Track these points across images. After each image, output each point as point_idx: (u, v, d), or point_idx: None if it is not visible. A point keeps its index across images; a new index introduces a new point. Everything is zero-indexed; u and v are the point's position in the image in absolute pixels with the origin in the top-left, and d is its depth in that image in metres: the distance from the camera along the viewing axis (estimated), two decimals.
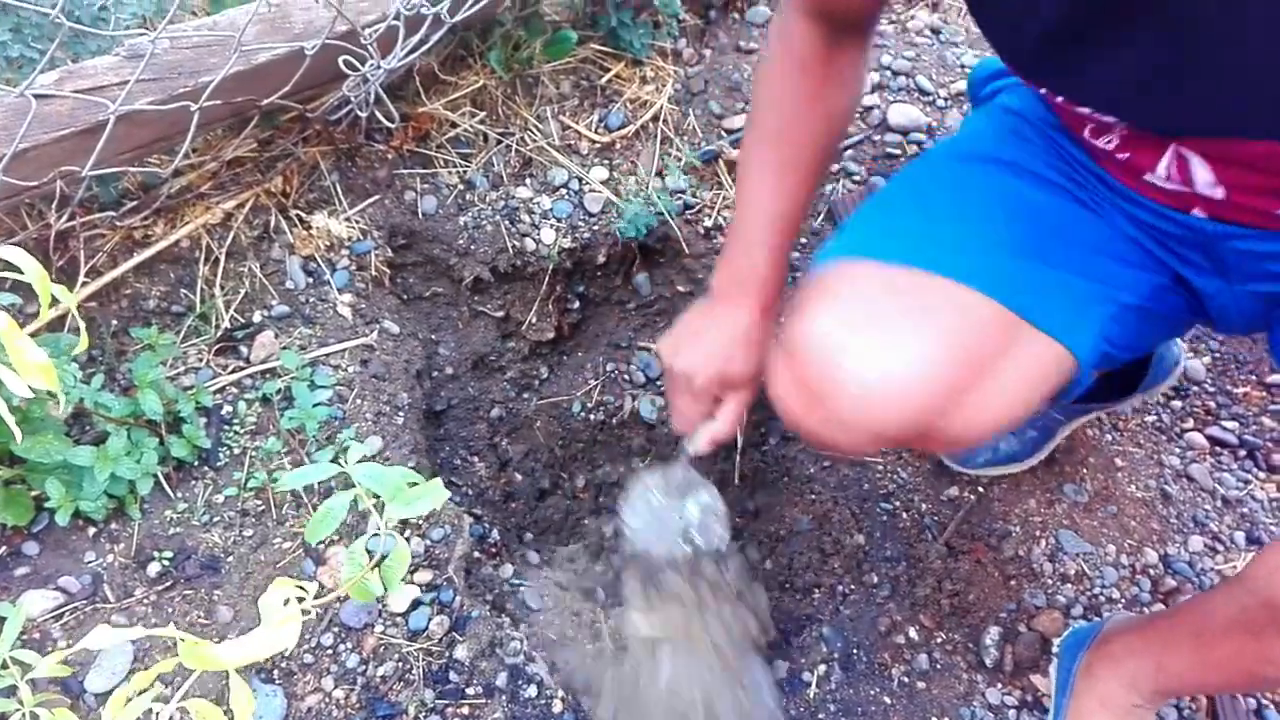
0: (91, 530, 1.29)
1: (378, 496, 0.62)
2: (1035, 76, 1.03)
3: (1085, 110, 1.01)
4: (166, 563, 1.27)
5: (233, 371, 1.44)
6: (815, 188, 1.24)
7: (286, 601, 0.50)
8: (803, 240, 1.72)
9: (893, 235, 1.05)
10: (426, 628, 1.27)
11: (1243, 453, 1.56)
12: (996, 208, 1.08)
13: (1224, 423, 1.58)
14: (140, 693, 0.49)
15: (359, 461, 0.63)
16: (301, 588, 0.52)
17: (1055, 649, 1.36)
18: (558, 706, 1.25)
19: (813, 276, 1.06)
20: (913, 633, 1.38)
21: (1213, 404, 1.61)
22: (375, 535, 0.62)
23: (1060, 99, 1.03)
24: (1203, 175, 0.98)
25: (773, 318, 1.22)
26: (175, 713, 0.51)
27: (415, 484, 0.63)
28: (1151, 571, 1.44)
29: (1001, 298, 0.99)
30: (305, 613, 0.50)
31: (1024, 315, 1.00)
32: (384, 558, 0.61)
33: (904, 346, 0.95)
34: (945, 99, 1.89)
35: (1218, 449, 1.57)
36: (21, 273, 0.75)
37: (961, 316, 0.98)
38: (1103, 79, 0.98)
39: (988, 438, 1.05)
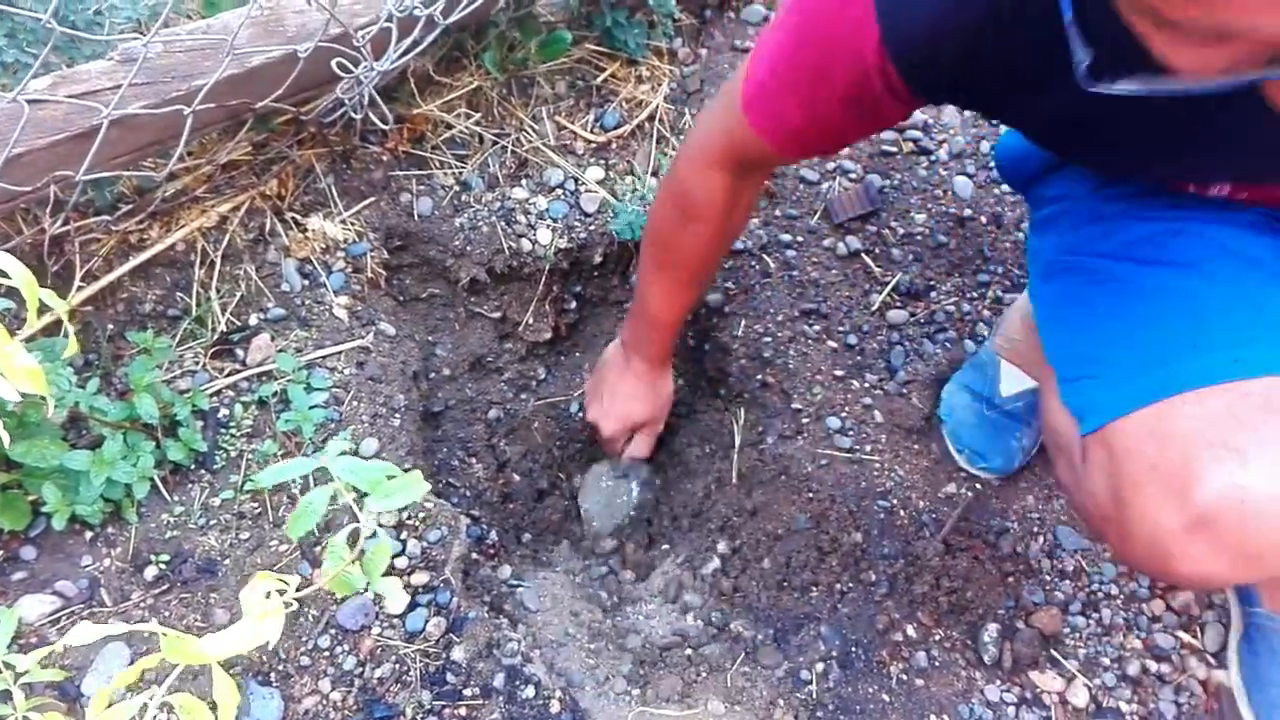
0: (88, 534, 1.29)
1: (359, 491, 0.62)
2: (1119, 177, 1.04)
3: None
4: (163, 566, 1.27)
5: (229, 375, 1.44)
6: (702, 293, 1.64)
7: (269, 595, 0.50)
8: (799, 239, 1.72)
9: (1186, 351, 0.98)
10: (424, 629, 1.27)
11: None
12: (1245, 279, 1.03)
13: None
14: (128, 689, 0.49)
15: (339, 456, 0.64)
16: (283, 581, 0.52)
17: None
18: (555, 707, 1.24)
19: (1125, 429, 0.98)
20: (911, 630, 1.38)
21: None
22: (357, 528, 0.62)
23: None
24: None
25: (665, 370, 1.62)
26: (161, 709, 0.51)
27: (394, 477, 0.63)
28: None
29: None
30: (288, 605, 0.50)
31: None
32: (362, 552, 0.61)
33: None
34: None
35: None
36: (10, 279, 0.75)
37: None
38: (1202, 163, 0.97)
39: None
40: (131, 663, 1.19)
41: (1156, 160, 1.00)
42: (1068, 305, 1.15)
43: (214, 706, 0.49)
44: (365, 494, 0.64)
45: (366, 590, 1.26)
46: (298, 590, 0.60)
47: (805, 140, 1.08)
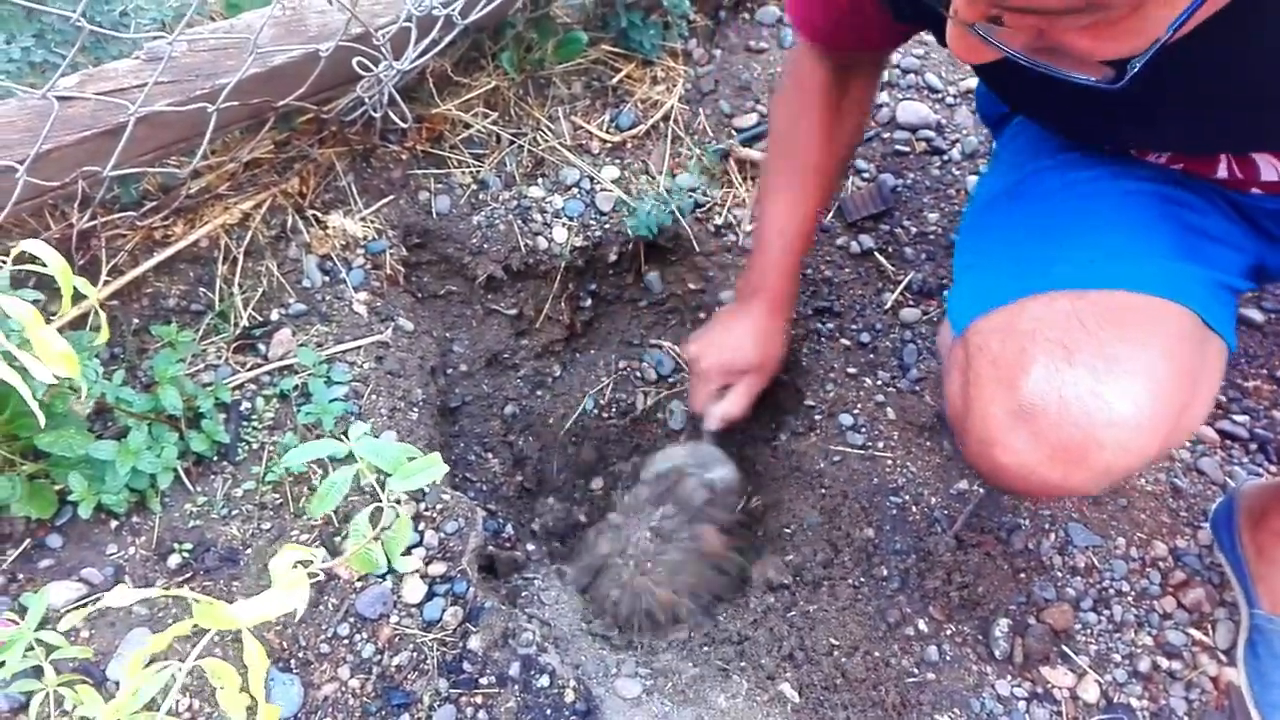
0: (113, 523, 1.32)
1: (381, 472, 0.64)
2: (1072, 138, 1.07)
3: None
4: (186, 555, 1.30)
5: (251, 368, 1.47)
6: (825, 203, 1.43)
7: (295, 566, 0.52)
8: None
9: (1052, 261, 1.02)
10: (441, 618, 1.29)
11: (1254, 446, 1.56)
12: (1135, 213, 1.06)
13: (1235, 416, 1.58)
14: (156, 657, 0.51)
15: (360, 438, 0.66)
16: (310, 553, 0.54)
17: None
18: (570, 696, 1.26)
19: (981, 327, 1.02)
20: (922, 625, 1.39)
21: (1224, 398, 1.61)
22: (378, 506, 0.64)
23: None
24: (1268, 171, 0.99)
25: (783, 314, 1.45)
26: (191, 675, 0.53)
27: (415, 458, 0.65)
28: (1161, 564, 1.44)
29: (1188, 303, 0.98)
30: (313, 576, 0.52)
31: (1205, 318, 0.99)
32: (384, 529, 0.63)
33: (1145, 376, 0.92)
34: (955, 96, 1.90)
35: (1229, 443, 1.57)
36: (45, 266, 0.78)
37: (1172, 331, 0.96)
38: (1138, 136, 1.00)
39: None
40: None
41: (1067, 116, 1.06)
42: (971, 221, 1.23)
43: (244, 672, 0.51)
44: (387, 475, 0.66)
45: (385, 580, 1.29)
46: (320, 571, 0.62)
47: (831, 37, 1.19)
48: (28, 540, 1.28)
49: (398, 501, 1.31)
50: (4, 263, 0.75)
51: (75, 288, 0.79)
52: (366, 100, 1.48)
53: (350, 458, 0.68)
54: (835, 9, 1.13)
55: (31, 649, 0.78)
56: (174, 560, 1.29)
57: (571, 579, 1.48)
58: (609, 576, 1.46)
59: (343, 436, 0.67)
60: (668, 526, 1.46)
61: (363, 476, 0.66)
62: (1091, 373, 0.92)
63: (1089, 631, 1.39)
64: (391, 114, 1.53)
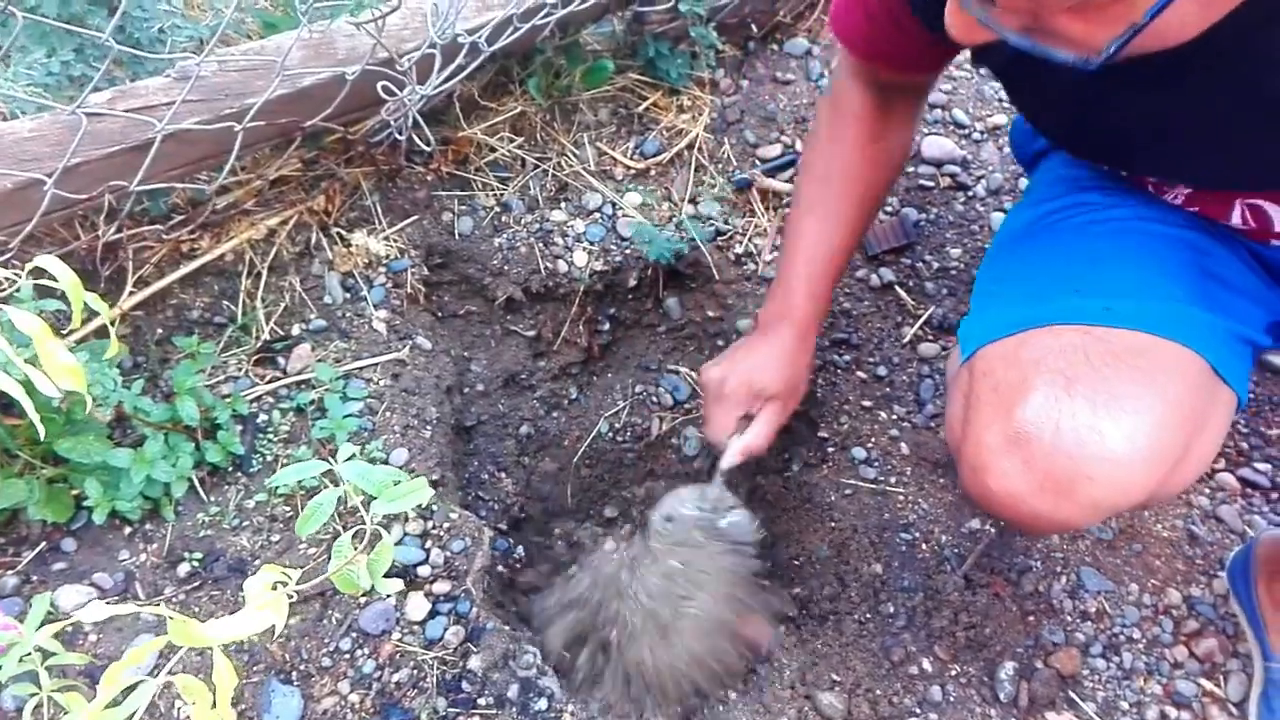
0: (127, 529, 1.34)
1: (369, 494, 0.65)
2: (1085, 156, 1.07)
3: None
4: (196, 563, 1.32)
5: (269, 381, 1.49)
6: (861, 233, 1.33)
7: (274, 587, 0.53)
8: None
9: (1065, 295, 1.03)
10: (442, 637, 1.29)
11: (1275, 495, 1.53)
12: (1155, 254, 1.06)
13: (1256, 464, 1.56)
14: (137, 669, 0.52)
15: (346, 460, 0.67)
16: (285, 573, 0.55)
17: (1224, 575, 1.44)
18: (567, 719, 1.26)
19: (987, 353, 1.03)
20: (926, 664, 1.38)
21: (1245, 445, 1.58)
22: (363, 529, 0.65)
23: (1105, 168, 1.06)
24: None
25: (808, 342, 1.32)
26: (163, 689, 0.54)
27: (400, 482, 0.66)
28: (1174, 612, 1.42)
29: (1200, 350, 0.98)
30: (291, 597, 0.53)
31: (1216, 367, 0.99)
32: (370, 547, 0.64)
33: (1144, 416, 0.92)
34: (981, 132, 1.89)
35: (1249, 491, 1.54)
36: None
37: (1178, 375, 0.96)
38: (1150, 159, 1.00)
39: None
40: (160, 655, 1.24)
41: (1082, 132, 1.05)
42: (993, 253, 1.22)
43: (214, 689, 0.52)
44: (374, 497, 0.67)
45: (389, 596, 1.30)
46: (309, 587, 0.63)
47: (872, 48, 1.18)
48: (43, 543, 1.31)
49: (385, 523, 1.32)
50: (19, 277, 0.77)
51: (86, 303, 0.81)
52: (392, 123, 1.51)
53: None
54: (876, 20, 1.13)
55: (28, 654, 0.80)
56: (184, 569, 1.31)
57: (545, 636, 1.37)
58: (594, 639, 1.35)
59: (330, 458, 0.68)
60: (677, 583, 1.34)
61: (350, 498, 0.67)
62: (1090, 406, 0.92)
63: (1097, 678, 1.37)
64: (415, 137, 1.55)
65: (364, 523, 0.71)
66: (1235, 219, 1.04)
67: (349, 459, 0.67)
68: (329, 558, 1.33)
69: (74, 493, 1.32)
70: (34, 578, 1.29)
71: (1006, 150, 1.86)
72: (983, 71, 2.00)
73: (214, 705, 0.52)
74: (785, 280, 1.32)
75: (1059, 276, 1.07)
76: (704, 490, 1.37)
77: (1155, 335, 0.97)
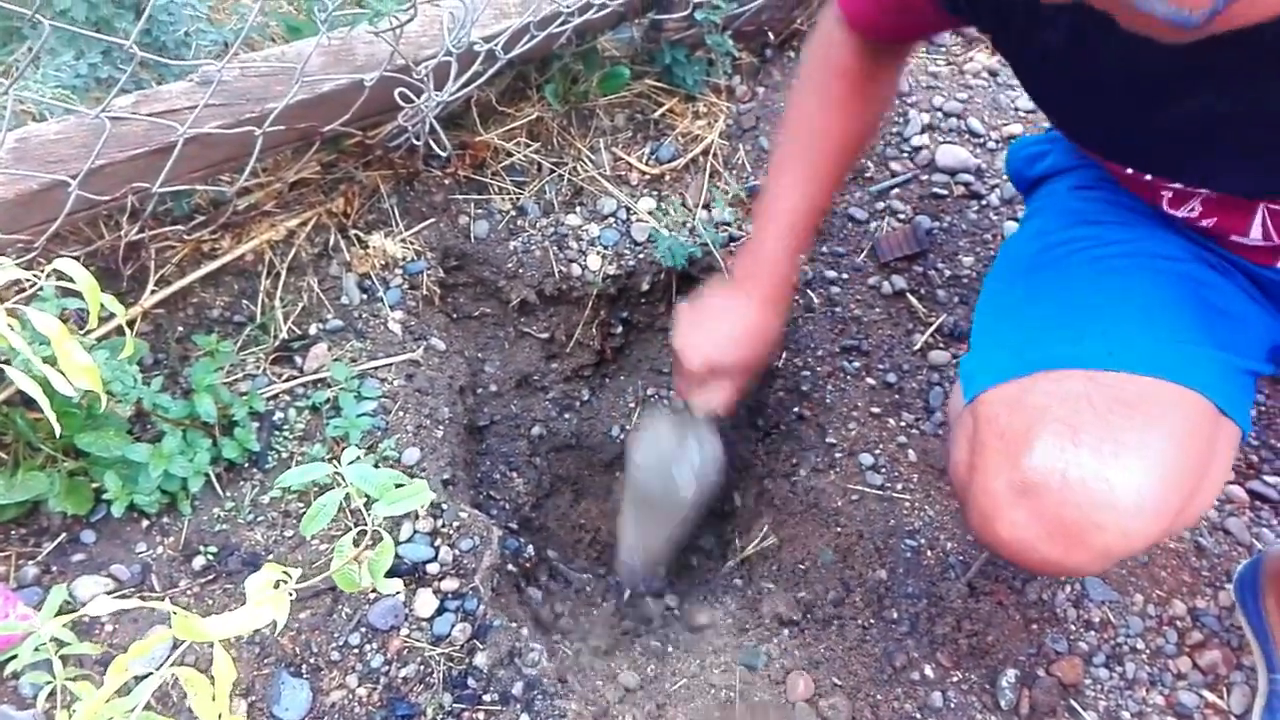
0: (144, 523, 1.37)
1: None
2: (1110, 157, 1.06)
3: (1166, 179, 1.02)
4: (211, 557, 1.35)
5: (286, 380, 1.52)
6: (835, 190, 1.35)
7: (277, 585, 0.56)
8: (844, 276, 1.75)
9: (1068, 339, 1.03)
10: (449, 634, 1.32)
11: None
12: (1156, 293, 1.06)
13: (1266, 477, 1.56)
14: (148, 659, 0.55)
15: (351, 463, 0.69)
16: (286, 572, 0.57)
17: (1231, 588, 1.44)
18: (572, 718, 1.28)
19: (991, 398, 1.03)
20: (928, 670, 1.39)
21: (1255, 458, 1.58)
22: (363, 530, 0.67)
23: (1130, 171, 1.05)
24: None
25: (780, 304, 1.35)
26: (176, 680, 0.57)
27: (401, 485, 0.68)
28: (1179, 623, 1.42)
29: (1204, 390, 0.98)
30: (291, 594, 0.56)
31: (1220, 404, 0.99)
32: (369, 546, 0.66)
33: (1151, 462, 0.92)
34: (996, 141, 1.90)
35: (1258, 503, 1.54)
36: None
37: (1183, 417, 0.96)
38: (1178, 160, 0.99)
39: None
40: (173, 647, 1.27)
41: (1120, 131, 1.02)
42: (992, 287, 1.22)
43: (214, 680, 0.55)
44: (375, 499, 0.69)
45: (398, 593, 1.32)
46: (319, 582, 0.66)
47: (878, 29, 1.17)
48: (63, 534, 1.34)
49: (393, 523, 1.35)
50: (39, 277, 0.80)
51: (103, 304, 0.84)
52: (409, 128, 1.53)
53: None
54: (887, 4, 1.12)
55: (43, 644, 0.82)
56: (199, 562, 1.34)
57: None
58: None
59: (334, 461, 0.70)
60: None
61: (353, 499, 0.69)
62: (1096, 455, 0.92)
63: (1099, 687, 1.38)
64: (432, 142, 1.58)
65: (391, 524, 0.73)
66: (1255, 231, 1.04)
67: (353, 461, 0.69)
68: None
69: (94, 486, 1.35)
70: (54, 568, 1.32)
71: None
72: (1001, 80, 2.00)
73: (214, 697, 0.55)
74: (761, 234, 1.33)
75: (1060, 317, 1.07)
76: (678, 418, 1.49)
77: (1159, 379, 0.97)
